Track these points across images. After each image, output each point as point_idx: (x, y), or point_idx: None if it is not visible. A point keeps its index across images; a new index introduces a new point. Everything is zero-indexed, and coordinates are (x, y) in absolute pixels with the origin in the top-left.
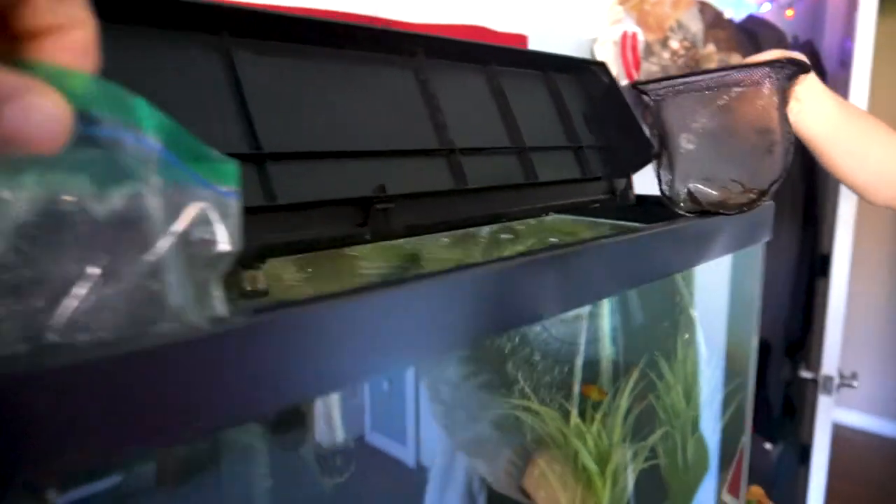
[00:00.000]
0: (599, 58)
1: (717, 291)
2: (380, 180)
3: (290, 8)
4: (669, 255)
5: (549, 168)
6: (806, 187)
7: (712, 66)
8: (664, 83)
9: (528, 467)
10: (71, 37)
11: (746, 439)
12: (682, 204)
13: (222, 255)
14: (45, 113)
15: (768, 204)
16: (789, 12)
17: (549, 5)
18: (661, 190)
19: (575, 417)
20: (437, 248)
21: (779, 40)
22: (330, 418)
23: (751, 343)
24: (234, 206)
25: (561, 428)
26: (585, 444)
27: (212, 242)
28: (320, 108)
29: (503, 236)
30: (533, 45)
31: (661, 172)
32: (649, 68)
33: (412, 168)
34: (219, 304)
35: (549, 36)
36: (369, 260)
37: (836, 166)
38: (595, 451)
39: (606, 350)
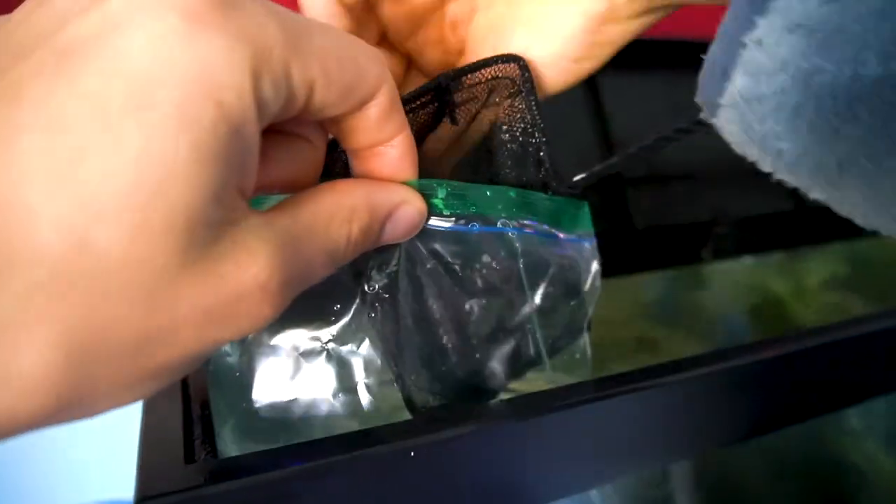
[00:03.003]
0: None
1: None
2: (720, 201)
3: None
4: None
5: None
6: None
7: None
8: None
9: None
10: (398, 144)
11: None
12: None
13: (587, 296)
14: (416, 221)
15: None
16: None
17: None
18: None
19: None
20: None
21: None
22: None
23: None
24: (592, 249)
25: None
26: None
27: (575, 289)
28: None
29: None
30: None
31: None
32: None
33: (749, 188)
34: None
35: None
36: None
37: None
38: None
39: None
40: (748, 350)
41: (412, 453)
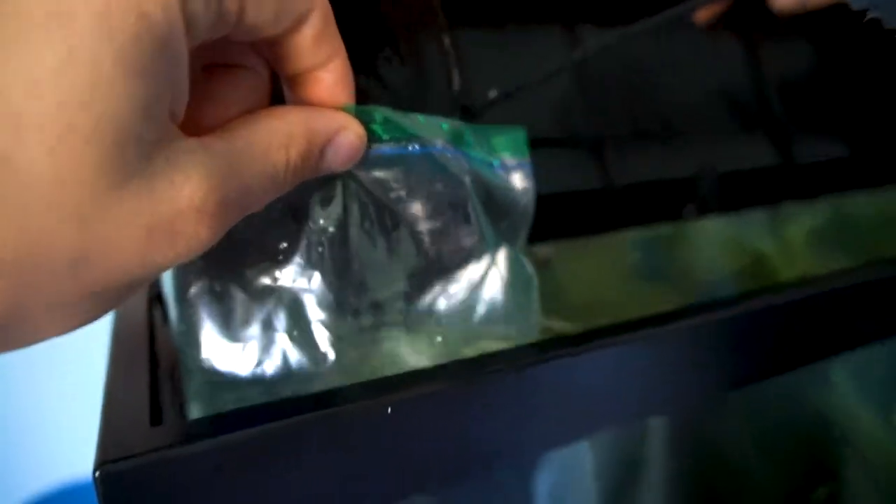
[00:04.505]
0: None
1: None
2: (704, 156)
3: None
4: None
5: None
6: None
7: None
8: None
9: None
10: (334, 69)
11: None
12: None
13: (520, 220)
14: (357, 146)
15: None
16: None
17: None
18: None
19: None
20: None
21: None
22: None
23: None
24: (527, 175)
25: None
26: None
27: (510, 207)
28: (652, 86)
29: None
30: None
31: None
32: None
33: (735, 143)
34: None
35: None
36: None
37: None
38: None
39: None
40: (726, 304)
41: (389, 409)
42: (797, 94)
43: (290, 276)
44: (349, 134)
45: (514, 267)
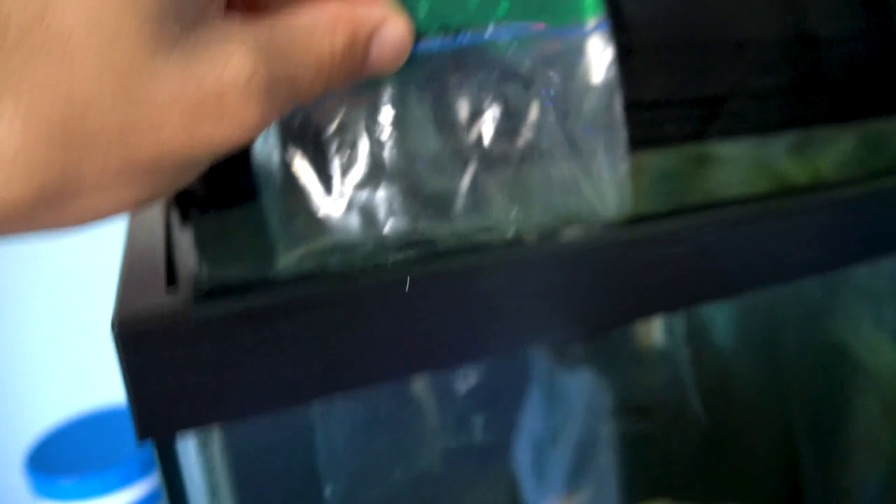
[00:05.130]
0: None
1: None
2: (733, 74)
3: None
4: None
5: None
6: None
7: None
8: None
9: None
10: None
11: None
12: None
13: (604, 88)
14: (403, 41)
15: None
16: None
17: None
18: None
19: None
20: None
21: None
22: None
23: None
24: (603, 36)
25: None
26: None
27: (587, 82)
28: None
29: None
30: None
31: None
32: None
33: (765, 59)
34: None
35: None
36: None
37: None
38: None
39: None
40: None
41: (407, 287)
42: (833, 12)
43: (357, 185)
44: (394, 26)
45: (590, 145)
